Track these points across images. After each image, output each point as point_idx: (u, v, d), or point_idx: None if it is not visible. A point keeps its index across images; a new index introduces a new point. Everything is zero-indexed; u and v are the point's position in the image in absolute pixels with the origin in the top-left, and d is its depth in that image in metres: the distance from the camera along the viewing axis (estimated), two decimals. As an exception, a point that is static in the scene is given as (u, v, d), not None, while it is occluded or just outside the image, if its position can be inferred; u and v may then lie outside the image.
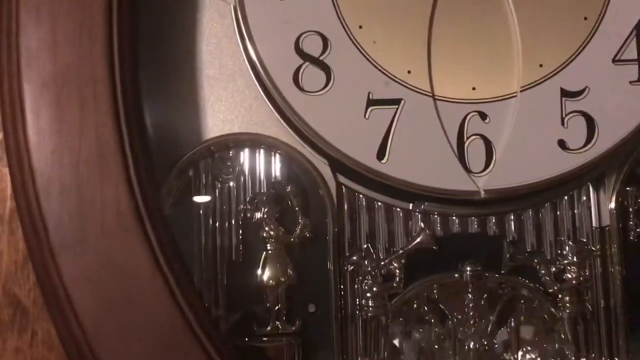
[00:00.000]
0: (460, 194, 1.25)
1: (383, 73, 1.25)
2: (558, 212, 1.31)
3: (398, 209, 1.31)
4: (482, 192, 1.25)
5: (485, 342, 1.29)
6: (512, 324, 1.30)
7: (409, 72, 1.25)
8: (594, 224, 1.31)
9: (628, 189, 1.31)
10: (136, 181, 1.13)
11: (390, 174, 1.24)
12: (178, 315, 1.14)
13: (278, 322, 1.30)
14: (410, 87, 1.25)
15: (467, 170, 1.23)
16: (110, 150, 1.12)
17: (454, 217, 1.31)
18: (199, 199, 1.30)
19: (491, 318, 1.30)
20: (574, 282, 1.29)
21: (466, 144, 1.25)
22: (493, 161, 1.23)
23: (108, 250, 1.11)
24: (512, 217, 1.31)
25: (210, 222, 1.30)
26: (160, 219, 1.17)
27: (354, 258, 1.30)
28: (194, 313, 1.14)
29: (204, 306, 1.21)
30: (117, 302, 1.11)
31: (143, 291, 1.13)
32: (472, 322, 1.31)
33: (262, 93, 1.28)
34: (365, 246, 1.30)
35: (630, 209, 1.32)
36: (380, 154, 1.24)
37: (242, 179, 1.31)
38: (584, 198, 1.31)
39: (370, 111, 1.25)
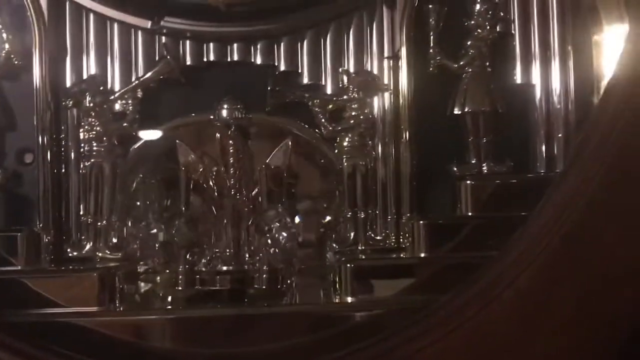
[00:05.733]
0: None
1: None
2: (342, 34, 0.99)
3: (139, 30, 0.99)
4: (222, -2, 0.94)
5: (248, 199, 1.00)
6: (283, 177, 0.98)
7: None
8: (386, 52, 1.01)
9: (430, 6, 0.99)
10: None
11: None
12: None
13: (-26, 173, 1.00)
14: None
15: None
16: None
17: (209, 42, 0.99)
18: None
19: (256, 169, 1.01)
20: (352, 122, 0.97)
21: None
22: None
23: None
24: (284, 41, 0.99)
25: None
26: None
27: (75, 90, 0.97)
28: None
29: None
30: None
31: None
32: (232, 174, 1.02)
33: None
34: (90, 75, 0.97)
35: (432, 33, 1.01)
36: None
37: None
38: (376, 17, 1.00)
39: None
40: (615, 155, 0.79)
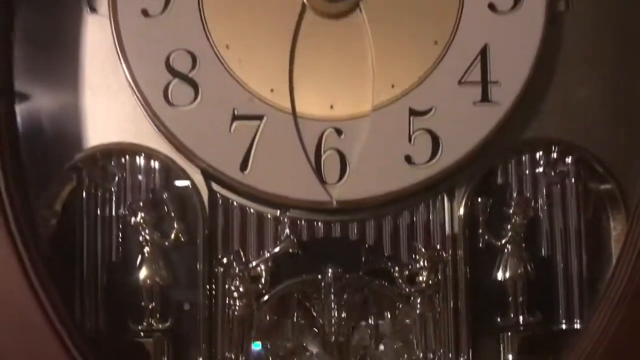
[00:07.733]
0: (315, 204, 1.26)
1: (247, 91, 1.27)
2: (414, 219, 1.33)
3: (268, 216, 1.33)
4: (335, 202, 1.27)
5: (347, 337, 1.31)
6: (372, 321, 1.32)
7: (271, 90, 1.27)
8: (447, 231, 1.35)
9: (479, 199, 1.34)
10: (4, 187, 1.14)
11: (252, 184, 1.26)
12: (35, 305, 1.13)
13: (152, 320, 1.32)
14: (272, 104, 1.27)
15: (323, 181, 1.25)
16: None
17: (319, 223, 1.33)
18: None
19: (352, 315, 1.32)
20: (424, 285, 1.32)
21: (323, 158, 1.27)
22: (347, 174, 1.25)
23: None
24: (372, 223, 1.33)
25: (92, 225, 1.33)
26: (29, 223, 1.18)
27: (224, 260, 1.33)
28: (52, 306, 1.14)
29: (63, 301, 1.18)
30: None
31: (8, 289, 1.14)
32: (334, 320, 1.34)
33: (140, 106, 1.30)
34: (235, 249, 1.32)
35: (480, 219, 1.34)
36: (243, 166, 1.26)
37: (122, 185, 1.34)
38: (438, 206, 1.33)
39: (235, 126, 1.27)
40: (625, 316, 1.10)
